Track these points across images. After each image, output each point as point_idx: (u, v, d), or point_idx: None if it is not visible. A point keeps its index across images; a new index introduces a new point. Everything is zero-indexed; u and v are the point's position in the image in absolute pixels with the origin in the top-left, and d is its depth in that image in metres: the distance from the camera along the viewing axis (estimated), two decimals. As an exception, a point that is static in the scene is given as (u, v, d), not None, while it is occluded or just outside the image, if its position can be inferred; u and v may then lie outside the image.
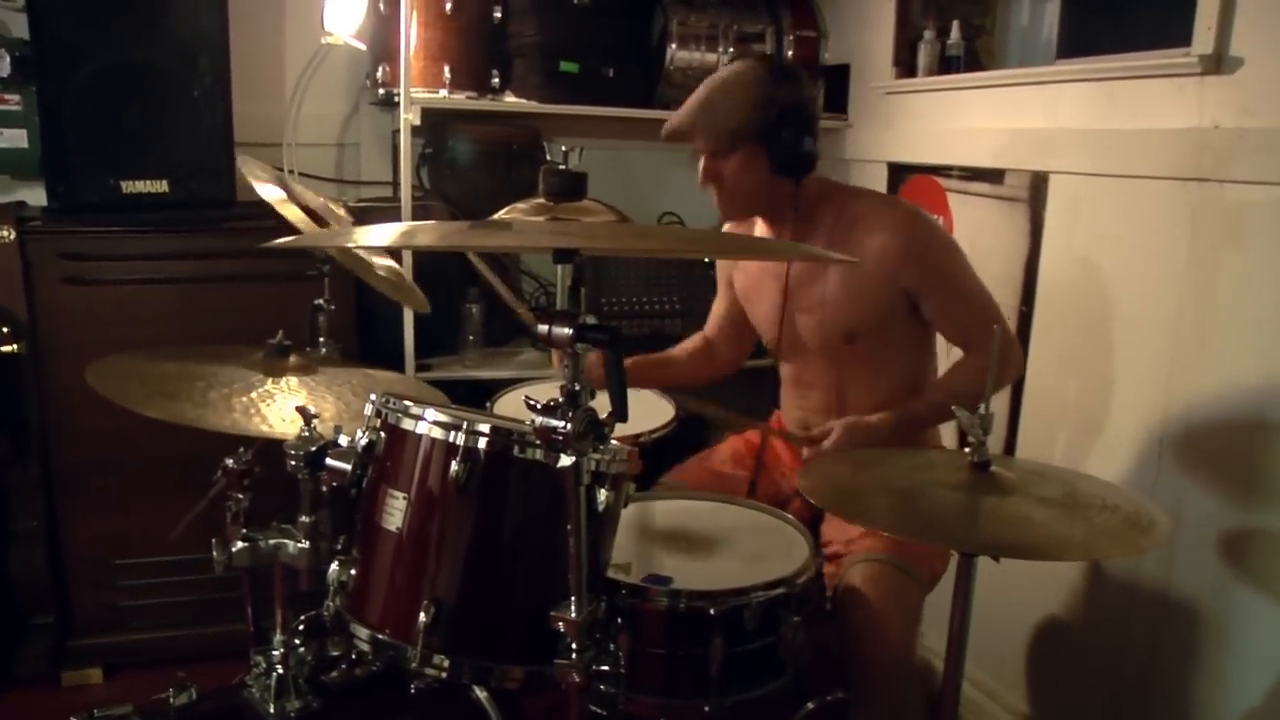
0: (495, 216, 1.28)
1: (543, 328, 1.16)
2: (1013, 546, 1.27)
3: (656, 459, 2.16)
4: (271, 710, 1.62)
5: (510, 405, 2.36)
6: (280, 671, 1.64)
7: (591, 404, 1.18)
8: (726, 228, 2.17)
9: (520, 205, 1.30)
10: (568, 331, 1.14)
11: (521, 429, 1.36)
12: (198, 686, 1.68)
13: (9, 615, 2.61)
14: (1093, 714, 2.22)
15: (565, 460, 1.16)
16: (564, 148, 1.28)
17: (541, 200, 1.45)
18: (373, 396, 1.47)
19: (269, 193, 1.93)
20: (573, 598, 1.22)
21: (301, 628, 1.70)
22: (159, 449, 2.31)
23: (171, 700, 1.63)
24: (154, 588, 2.61)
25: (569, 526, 1.21)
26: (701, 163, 1.90)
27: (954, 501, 1.36)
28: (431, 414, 1.39)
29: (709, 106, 1.85)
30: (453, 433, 1.36)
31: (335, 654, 1.72)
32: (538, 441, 1.21)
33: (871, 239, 1.87)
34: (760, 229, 2.07)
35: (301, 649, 1.68)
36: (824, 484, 1.46)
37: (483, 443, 1.35)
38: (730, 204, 1.94)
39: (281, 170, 2.78)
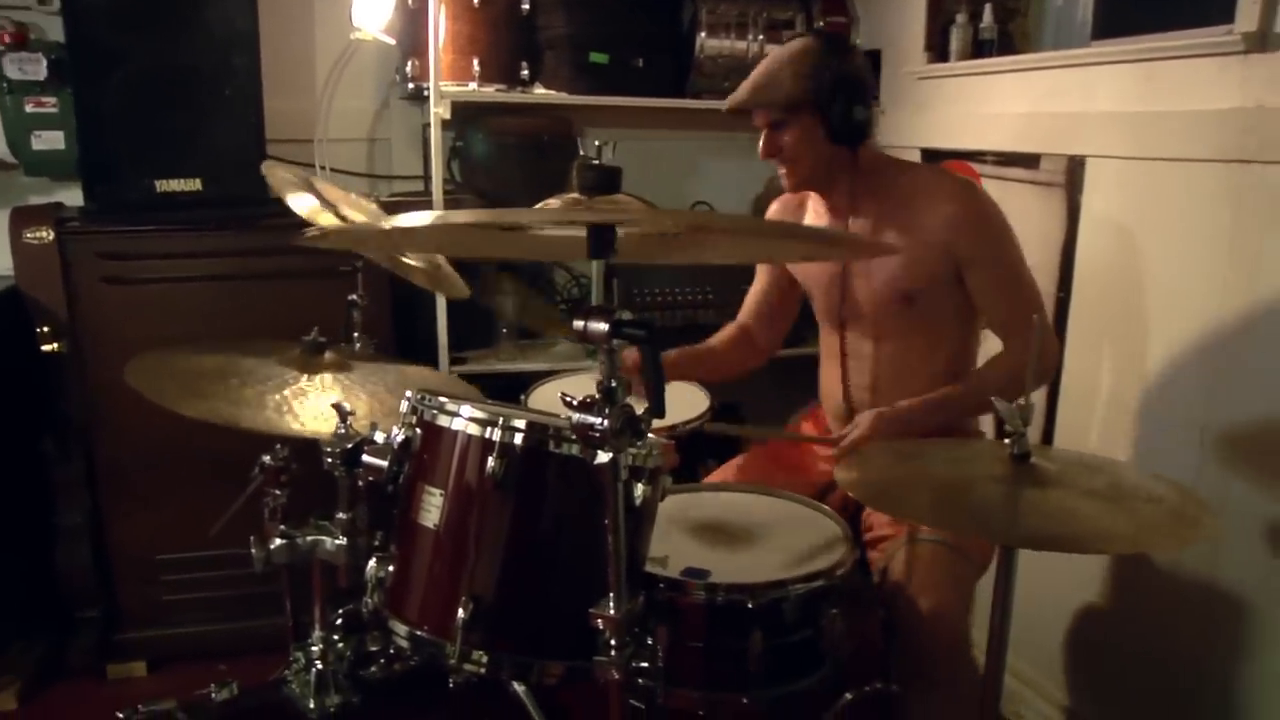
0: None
1: (578, 324, 1.15)
2: (1057, 540, 1.26)
3: (692, 450, 2.15)
4: (311, 706, 1.63)
5: (545, 397, 2.36)
6: (320, 667, 1.66)
7: (628, 400, 1.17)
8: (773, 208, 2.20)
9: (553, 201, 1.29)
10: (603, 327, 1.13)
11: (557, 424, 1.36)
12: (239, 681, 1.70)
13: (55, 609, 2.66)
14: (1135, 704, 2.19)
15: (602, 457, 1.15)
16: (597, 142, 1.27)
17: (575, 195, 1.44)
18: (408, 393, 1.47)
19: (301, 203, 1.94)
20: (611, 595, 1.22)
21: (339, 622, 1.71)
22: (199, 445, 2.33)
23: (214, 696, 1.65)
24: (196, 582, 2.64)
25: (606, 521, 1.21)
26: (763, 136, 1.94)
27: (995, 494, 1.34)
28: (467, 410, 1.39)
29: (767, 79, 1.90)
30: (489, 429, 1.36)
31: (374, 649, 1.73)
32: (574, 437, 1.21)
33: (931, 207, 1.90)
34: (814, 203, 2.09)
35: (340, 644, 1.69)
36: (862, 477, 1.44)
37: (519, 438, 1.35)
38: (793, 175, 1.96)
39: (312, 167, 2.81)
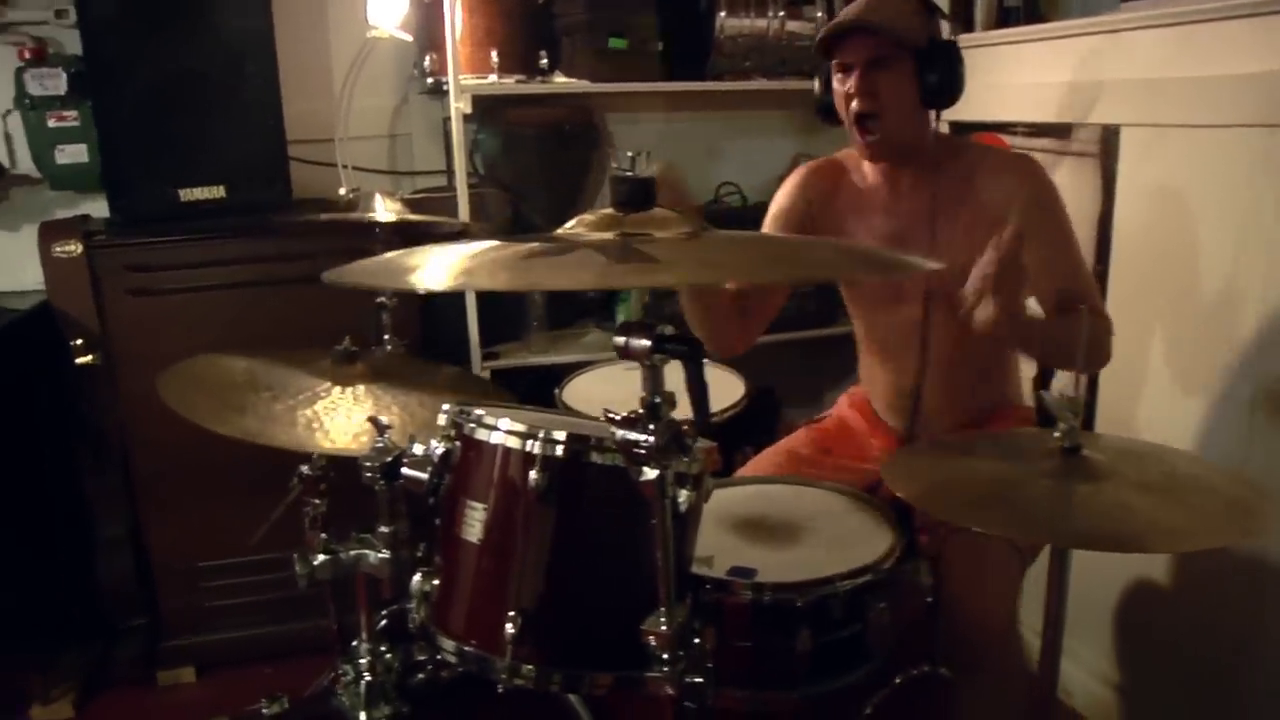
0: (561, 230, 1.24)
1: (619, 340, 1.13)
2: (1112, 539, 1.23)
3: (729, 438, 2.13)
4: (362, 717, 1.63)
5: (580, 390, 2.35)
6: (369, 679, 1.66)
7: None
8: (793, 179, 2.07)
9: (588, 217, 1.24)
10: (645, 343, 1.11)
11: (597, 432, 1.34)
12: (289, 694, 1.71)
13: (100, 620, 2.68)
14: (1187, 683, 2.16)
15: (649, 474, 1.13)
16: (630, 153, 1.24)
17: (610, 211, 1.39)
18: (445, 406, 1.46)
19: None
20: (661, 609, 1.20)
21: (384, 625, 1.70)
22: (234, 452, 2.31)
23: (264, 710, 1.65)
24: (239, 588, 2.66)
25: (653, 526, 1.19)
26: (855, 75, 1.81)
27: (1045, 491, 1.31)
28: (506, 423, 1.37)
29: (882, 4, 1.80)
30: (529, 441, 1.34)
31: (421, 658, 1.73)
32: (617, 449, 1.19)
33: (993, 181, 1.85)
34: (866, 174, 1.99)
35: (388, 655, 1.69)
36: (909, 476, 1.42)
37: (559, 450, 1.33)
38: (875, 132, 1.82)
39: (334, 166, 2.80)
